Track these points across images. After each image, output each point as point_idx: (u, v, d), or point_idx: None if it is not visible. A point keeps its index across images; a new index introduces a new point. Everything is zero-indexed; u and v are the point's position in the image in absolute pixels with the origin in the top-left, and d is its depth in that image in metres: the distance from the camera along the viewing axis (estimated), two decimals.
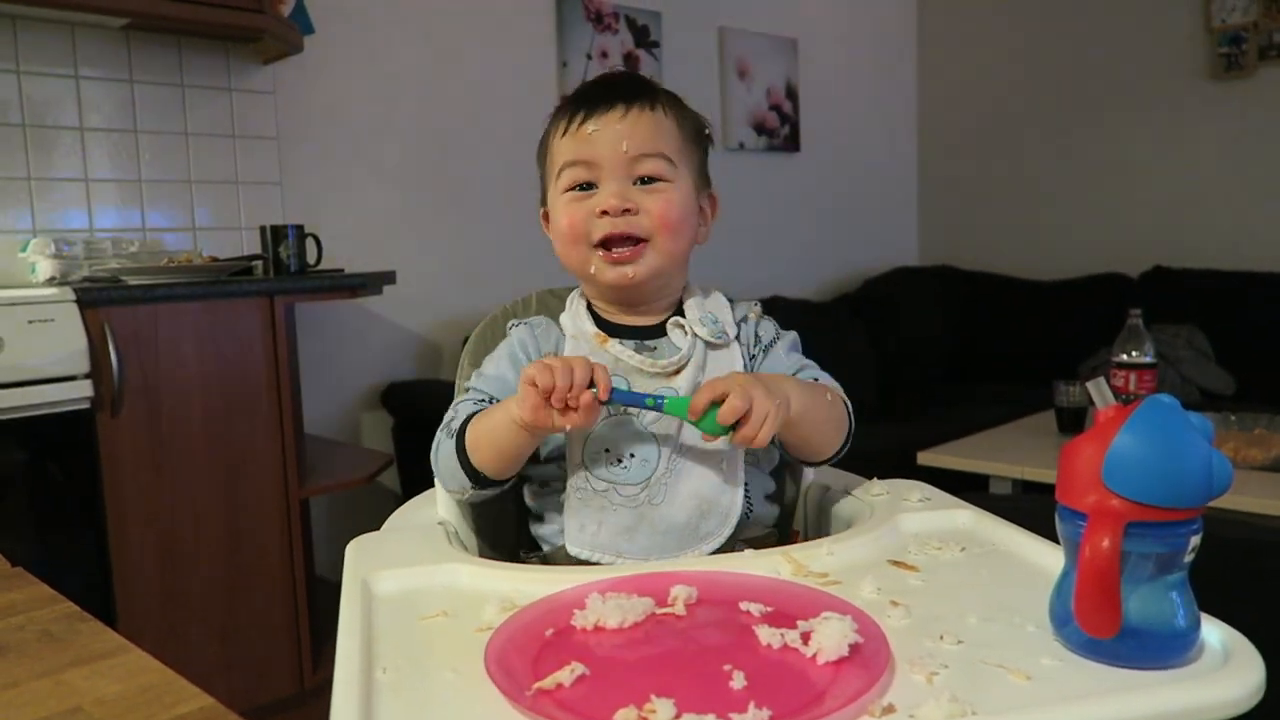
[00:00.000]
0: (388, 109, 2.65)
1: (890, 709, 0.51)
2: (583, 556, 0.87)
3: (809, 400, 0.87)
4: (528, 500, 0.97)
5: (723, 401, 0.78)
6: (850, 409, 0.94)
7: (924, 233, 4.40)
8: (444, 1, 2.74)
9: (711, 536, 0.87)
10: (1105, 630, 0.55)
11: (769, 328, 0.99)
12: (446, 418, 0.92)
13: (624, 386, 0.88)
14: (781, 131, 3.71)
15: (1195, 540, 0.56)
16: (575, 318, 0.96)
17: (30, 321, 1.61)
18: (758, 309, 1.00)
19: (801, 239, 3.83)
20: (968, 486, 1.57)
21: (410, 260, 2.63)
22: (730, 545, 0.89)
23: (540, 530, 0.94)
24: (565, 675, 0.55)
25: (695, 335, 0.93)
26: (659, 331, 0.94)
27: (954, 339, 3.90)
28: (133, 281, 1.82)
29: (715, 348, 0.93)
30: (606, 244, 0.90)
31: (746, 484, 0.90)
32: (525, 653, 0.59)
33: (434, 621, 0.66)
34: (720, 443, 0.84)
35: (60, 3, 1.92)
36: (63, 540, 1.70)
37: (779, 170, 3.76)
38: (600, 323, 0.95)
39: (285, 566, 1.94)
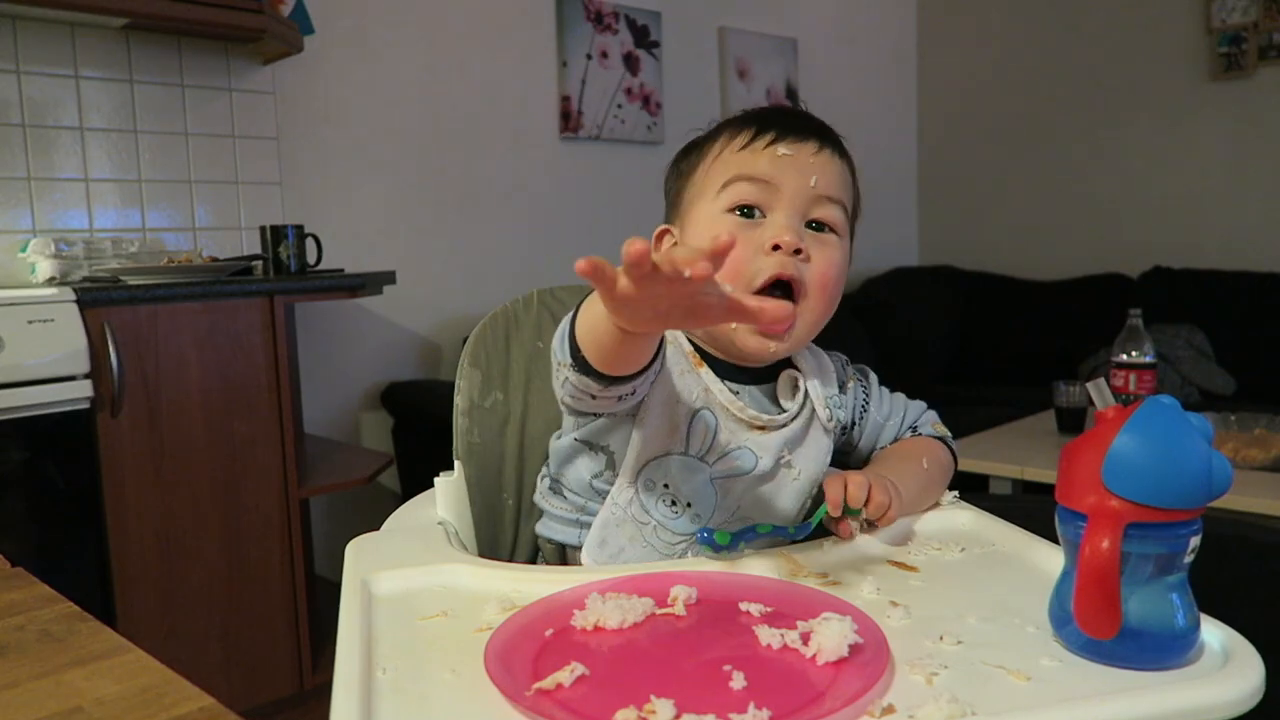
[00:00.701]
0: (388, 109, 2.65)
1: (890, 709, 0.51)
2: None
3: (917, 484, 0.83)
4: (543, 502, 0.93)
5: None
6: (951, 445, 0.90)
7: (924, 233, 4.40)
8: (444, 2, 2.74)
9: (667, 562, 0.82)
10: (1105, 631, 0.55)
11: (878, 393, 0.95)
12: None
13: (712, 426, 0.82)
14: None
15: (1195, 541, 0.56)
16: (675, 334, 0.87)
17: (30, 321, 1.61)
18: (850, 367, 0.95)
19: None
20: (968, 486, 1.57)
21: (410, 260, 2.63)
22: None
23: (549, 532, 0.91)
24: (565, 675, 0.55)
25: (811, 408, 0.87)
26: (760, 377, 0.87)
27: (954, 339, 3.90)
28: (133, 281, 1.82)
29: (817, 428, 0.88)
30: (766, 289, 0.80)
31: None
32: (525, 653, 0.59)
33: (434, 622, 0.66)
34: (853, 525, 0.78)
35: (60, 3, 1.91)
36: (63, 540, 1.70)
37: None
38: (701, 351, 0.87)
39: (285, 566, 1.94)
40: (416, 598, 0.70)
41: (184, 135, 2.29)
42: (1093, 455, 0.56)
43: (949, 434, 0.93)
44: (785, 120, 0.84)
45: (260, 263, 2.14)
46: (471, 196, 2.84)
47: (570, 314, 0.74)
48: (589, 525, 0.86)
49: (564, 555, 0.91)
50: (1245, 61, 3.43)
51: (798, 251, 0.80)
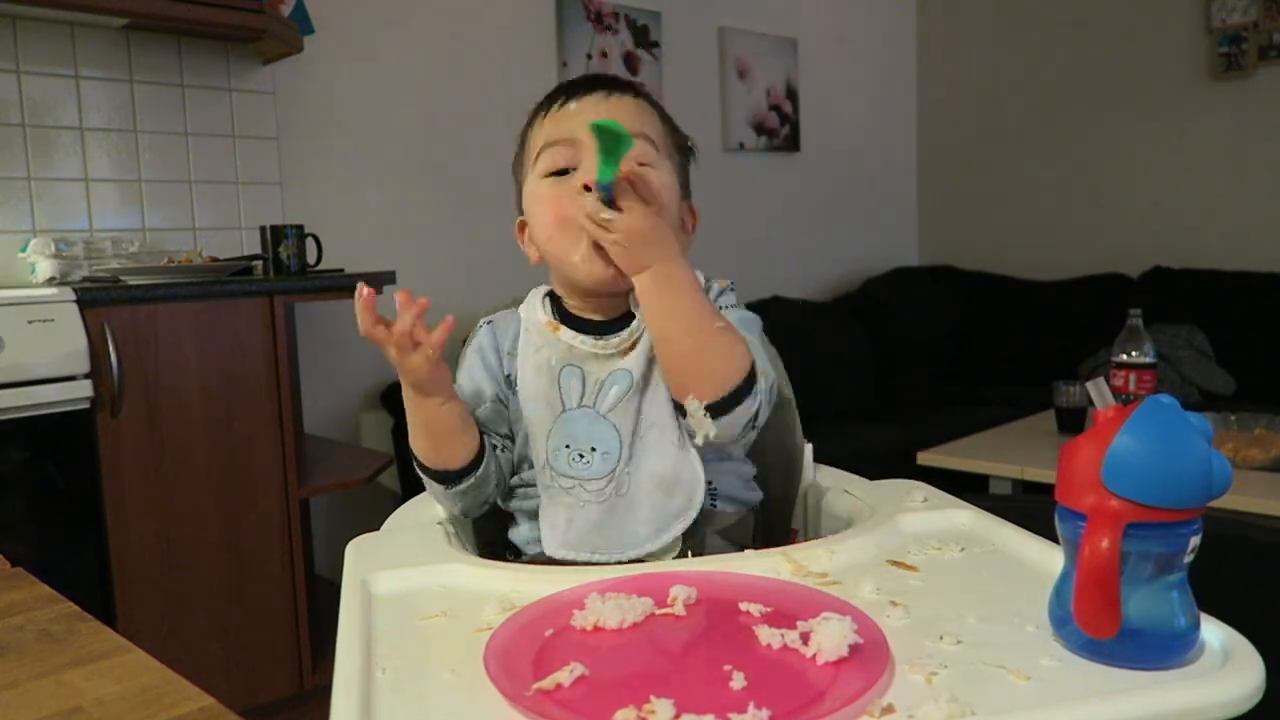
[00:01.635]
0: (388, 109, 2.65)
1: (890, 709, 0.51)
2: (559, 557, 0.86)
3: (681, 297, 0.80)
4: (503, 504, 0.96)
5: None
6: (757, 377, 0.83)
7: (924, 233, 4.40)
8: (444, 2, 2.74)
9: (682, 514, 0.86)
10: (1105, 631, 0.55)
11: (730, 299, 0.94)
12: None
13: (579, 375, 0.88)
14: (781, 131, 3.71)
15: (1195, 541, 0.56)
16: (530, 308, 0.94)
17: (30, 321, 1.61)
18: (726, 282, 0.96)
19: (801, 239, 3.82)
20: (968, 486, 1.57)
21: (410, 260, 2.63)
22: (699, 532, 0.87)
23: (515, 536, 0.94)
24: (565, 675, 0.55)
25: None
26: (625, 322, 0.90)
27: (954, 339, 3.90)
28: (133, 281, 1.82)
29: None
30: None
31: (710, 466, 0.87)
32: (525, 653, 0.59)
33: (433, 622, 0.66)
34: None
35: (60, 3, 1.92)
36: (63, 540, 1.70)
37: (779, 170, 3.76)
38: (564, 315, 0.92)
39: (285, 566, 1.94)
40: (416, 598, 0.70)
41: (184, 135, 2.29)
42: (1092, 455, 0.56)
43: (762, 369, 0.86)
44: (577, 82, 0.91)
45: (260, 263, 2.14)
46: (471, 196, 2.84)
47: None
48: (533, 512, 0.90)
49: (542, 559, 0.91)
50: (1245, 61, 3.43)
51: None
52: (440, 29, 2.74)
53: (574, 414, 0.87)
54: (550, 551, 0.87)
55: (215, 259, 2.09)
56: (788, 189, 3.78)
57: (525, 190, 0.93)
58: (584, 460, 0.86)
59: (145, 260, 2.09)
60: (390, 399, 2.57)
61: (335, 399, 2.58)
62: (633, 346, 0.88)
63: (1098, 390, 0.61)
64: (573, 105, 0.89)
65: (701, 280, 0.93)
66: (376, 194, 2.65)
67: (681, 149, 0.95)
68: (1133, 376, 2.22)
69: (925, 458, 2.32)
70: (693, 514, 0.86)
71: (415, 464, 0.89)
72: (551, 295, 0.95)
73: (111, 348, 1.68)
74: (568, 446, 0.87)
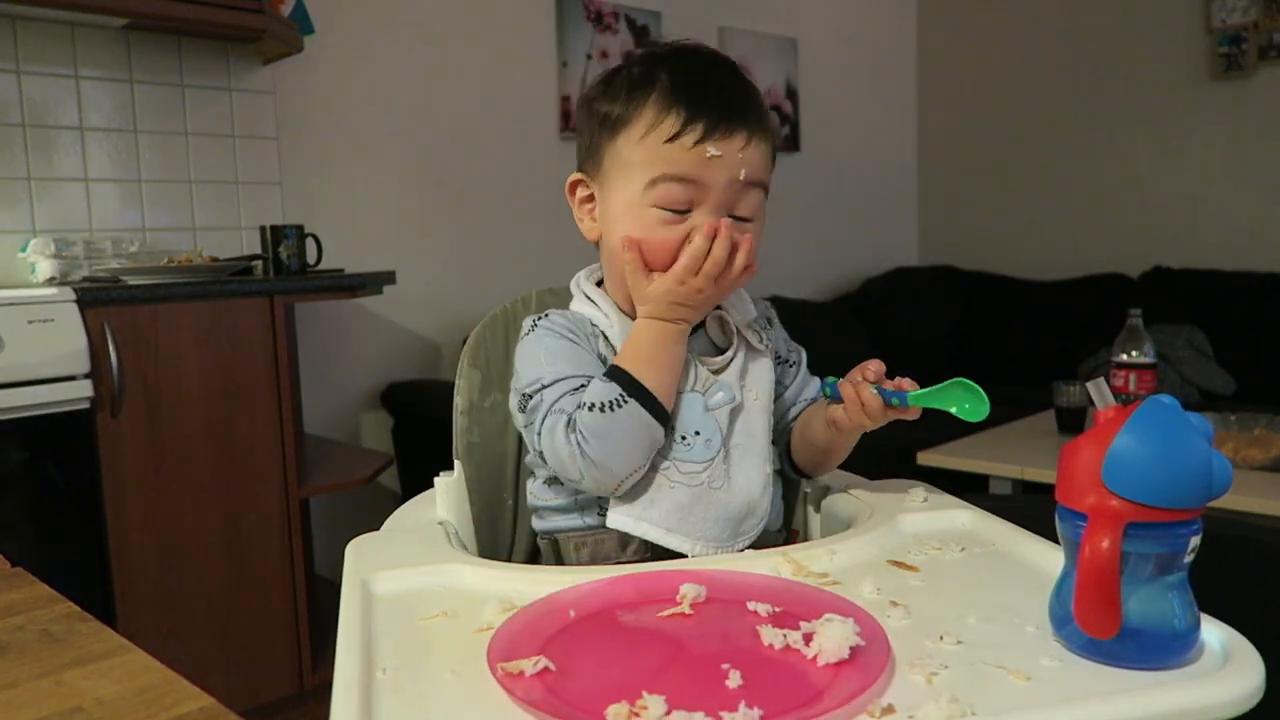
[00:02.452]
0: (388, 109, 2.65)
1: (890, 709, 0.51)
2: (624, 529, 0.84)
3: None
4: (538, 499, 0.93)
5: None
6: None
7: (924, 233, 4.40)
8: (444, 2, 2.74)
9: (747, 535, 0.87)
10: (1105, 631, 0.55)
11: (781, 338, 0.99)
12: (555, 420, 0.83)
13: (692, 363, 0.89)
14: (781, 131, 3.71)
15: (1195, 541, 0.56)
16: (607, 312, 0.91)
17: (30, 321, 1.61)
18: (770, 309, 0.99)
19: (801, 239, 3.82)
20: (968, 486, 1.57)
21: (410, 260, 2.63)
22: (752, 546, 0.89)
23: (550, 524, 0.91)
24: (529, 665, 0.55)
25: (742, 337, 0.92)
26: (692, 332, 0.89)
27: (954, 339, 3.90)
28: (133, 281, 1.82)
29: (755, 354, 0.92)
30: None
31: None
32: (527, 652, 0.59)
33: (433, 622, 0.66)
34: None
35: (60, 3, 1.92)
36: (63, 540, 1.70)
37: (779, 170, 3.74)
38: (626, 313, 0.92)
39: (285, 566, 1.94)
40: (416, 598, 0.70)
41: (184, 135, 2.29)
42: (1092, 455, 0.56)
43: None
44: (714, 110, 0.83)
45: (260, 263, 2.14)
46: (471, 196, 2.84)
47: (595, 443, 0.81)
48: (588, 508, 0.88)
49: (558, 552, 0.91)
50: (1245, 61, 3.43)
51: None
52: (440, 29, 2.74)
53: (688, 396, 0.87)
54: (615, 521, 0.84)
55: (215, 259, 2.09)
56: (788, 189, 3.78)
57: (618, 191, 0.86)
58: (685, 442, 0.86)
59: (145, 260, 2.09)
60: (390, 399, 2.58)
61: (335, 399, 2.58)
62: (726, 366, 0.90)
63: (1098, 390, 0.61)
64: (712, 150, 0.82)
65: (751, 306, 0.96)
66: (376, 194, 2.65)
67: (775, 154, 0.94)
68: (1133, 376, 2.22)
69: (925, 458, 2.32)
70: (751, 539, 0.87)
71: (651, 411, 0.82)
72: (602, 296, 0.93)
73: (111, 348, 1.68)
74: (672, 427, 0.86)
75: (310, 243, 2.16)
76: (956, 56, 4.21)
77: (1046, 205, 3.97)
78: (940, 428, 2.66)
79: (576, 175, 0.92)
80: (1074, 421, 2.38)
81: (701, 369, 0.89)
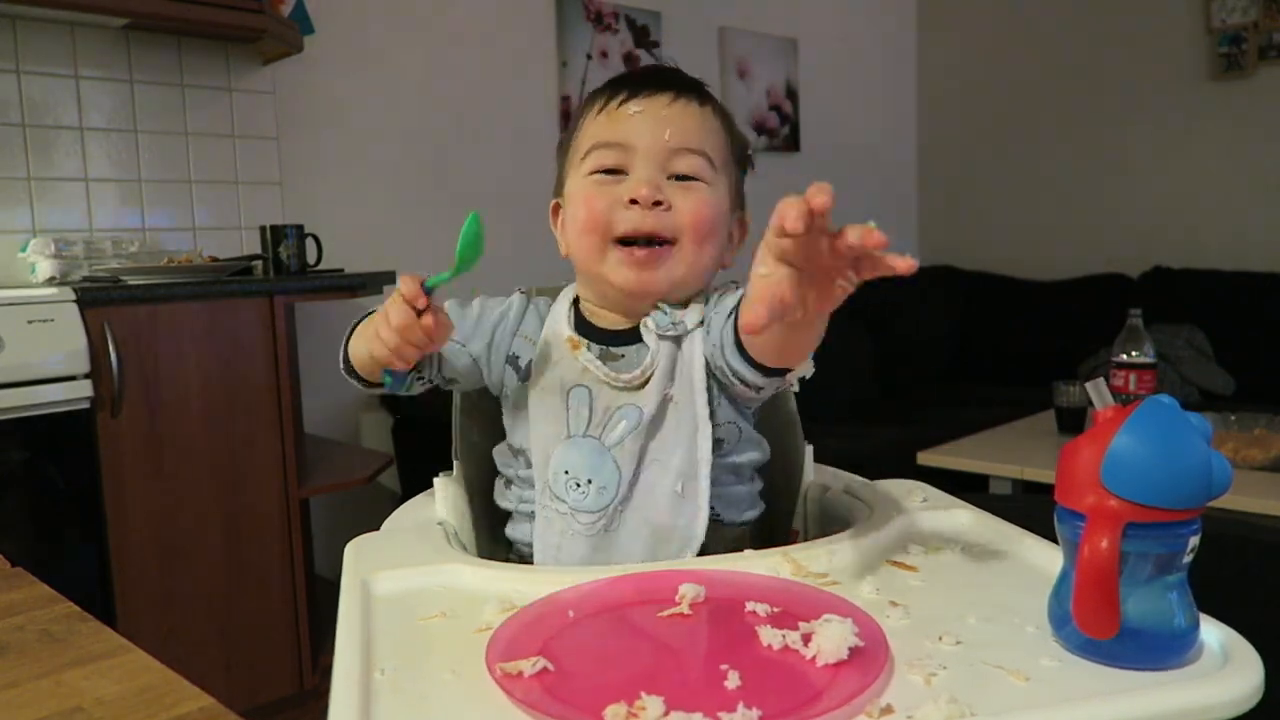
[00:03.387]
0: (388, 109, 2.65)
1: (889, 710, 0.51)
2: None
3: None
4: (500, 499, 0.95)
5: None
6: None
7: (924, 233, 4.40)
8: (444, 2, 2.74)
9: (677, 556, 0.83)
10: (1104, 631, 0.55)
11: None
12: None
13: (587, 400, 0.85)
14: (781, 131, 3.71)
15: (1194, 541, 0.56)
16: (555, 319, 0.91)
17: (30, 321, 1.61)
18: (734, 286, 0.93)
19: None
20: (968, 486, 1.57)
21: (410, 260, 2.63)
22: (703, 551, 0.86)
23: (513, 532, 0.93)
24: (527, 665, 0.55)
25: (658, 336, 0.86)
26: (637, 334, 0.88)
27: (954, 339, 3.90)
28: (133, 281, 1.82)
29: (674, 340, 0.86)
30: (628, 240, 0.83)
31: (718, 499, 0.86)
32: (526, 652, 0.59)
33: (433, 622, 0.66)
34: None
35: (60, 3, 1.92)
36: (63, 540, 1.70)
37: (779, 170, 3.75)
38: (580, 321, 0.91)
39: (285, 566, 1.94)
40: (416, 598, 0.70)
41: (184, 135, 2.29)
42: (1092, 455, 0.56)
43: None
44: (640, 78, 0.86)
45: (260, 263, 2.14)
46: (471, 196, 2.84)
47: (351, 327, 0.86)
48: (531, 515, 0.88)
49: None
50: (1245, 61, 3.43)
51: (658, 203, 0.82)
52: (440, 29, 2.74)
53: (579, 441, 0.85)
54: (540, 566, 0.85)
55: (215, 259, 2.09)
56: (788, 189, 3.74)
57: (569, 184, 0.89)
58: (580, 490, 0.83)
59: (145, 260, 2.09)
60: (390, 399, 2.58)
61: (335, 399, 2.58)
62: (645, 383, 0.85)
63: (1097, 390, 0.61)
64: (633, 107, 0.84)
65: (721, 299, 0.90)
66: (376, 194, 2.65)
67: (740, 158, 0.91)
68: (1133, 376, 2.22)
69: (925, 458, 2.32)
70: (689, 553, 0.83)
71: (343, 361, 0.89)
72: (575, 301, 0.93)
73: (111, 348, 1.68)
74: (567, 472, 0.84)
75: (310, 243, 2.16)
76: (956, 56, 4.21)
77: (1046, 205, 3.97)
78: (940, 428, 2.68)
79: (554, 200, 0.96)
80: (1074, 421, 2.38)
81: (599, 404, 0.85)
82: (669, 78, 0.87)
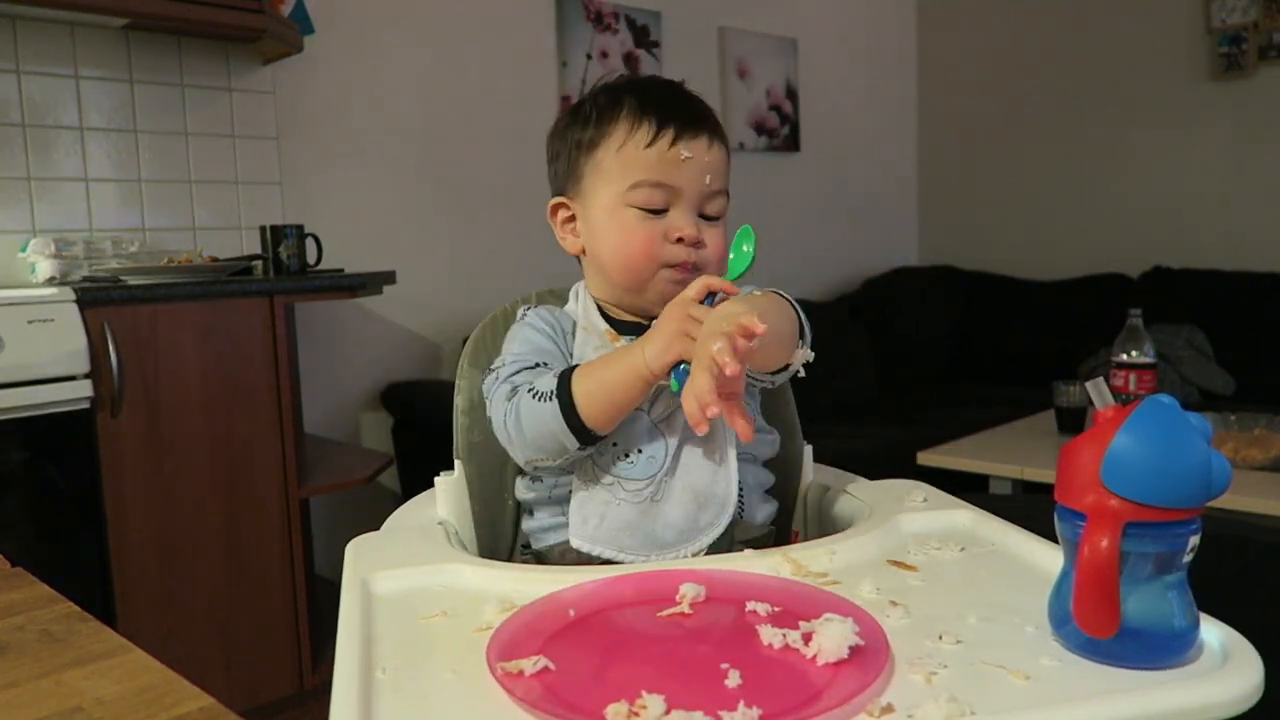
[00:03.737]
0: (388, 109, 2.65)
1: (889, 709, 0.51)
2: (584, 550, 0.87)
3: (765, 302, 0.85)
4: (521, 493, 0.97)
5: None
6: (800, 312, 0.92)
7: (924, 233, 4.40)
8: (444, 2, 2.74)
9: (710, 528, 0.87)
10: (1104, 630, 0.55)
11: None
12: (503, 387, 0.89)
13: None
14: (781, 131, 3.71)
15: (1194, 540, 0.56)
16: (587, 311, 0.96)
17: (30, 321, 1.61)
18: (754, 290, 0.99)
19: (801, 239, 3.82)
20: (968, 486, 1.57)
21: (410, 260, 2.63)
22: (728, 540, 0.88)
23: (532, 524, 0.94)
24: (529, 664, 0.55)
25: None
26: None
27: (954, 339, 3.90)
28: (133, 281, 1.82)
29: None
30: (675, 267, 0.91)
31: (740, 480, 0.90)
32: (527, 652, 0.59)
33: (433, 621, 0.66)
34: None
35: (60, 3, 1.92)
36: (63, 540, 1.70)
37: (779, 170, 3.76)
38: (607, 318, 0.96)
39: (285, 566, 1.94)
40: (416, 598, 0.70)
41: (184, 135, 2.29)
42: (1092, 454, 0.56)
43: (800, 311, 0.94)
44: (681, 114, 0.91)
45: (260, 263, 2.14)
46: (471, 196, 2.84)
47: (512, 418, 0.86)
48: (563, 501, 0.91)
49: (556, 552, 0.91)
50: (1245, 61, 3.43)
51: (700, 242, 0.91)
52: (440, 29, 2.74)
53: (632, 414, 0.88)
54: (576, 543, 0.87)
55: (215, 259, 2.09)
56: (788, 189, 3.78)
57: (599, 199, 0.92)
58: (628, 460, 0.88)
59: (145, 260, 2.09)
60: (390, 399, 2.58)
61: (335, 399, 2.58)
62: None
63: (1097, 390, 0.61)
64: (685, 151, 0.89)
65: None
66: (376, 194, 2.65)
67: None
68: (1133, 376, 2.22)
69: (925, 458, 2.32)
70: (719, 530, 0.87)
71: (565, 420, 0.84)
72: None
73: (111, 348, 1.68)
74: (615, 445, 0.88)
75: (310, 243, 2.16)
76: (956, 56, 4.21)
77: (1046, 205, 3.97)
78: (940, 428, 2.68)
79: (557, 199, 0.99)
80: (1074, 421, 2.39)
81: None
82: (702, 116, 0.93)
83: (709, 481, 0.88)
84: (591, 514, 0.88)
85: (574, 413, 0.83)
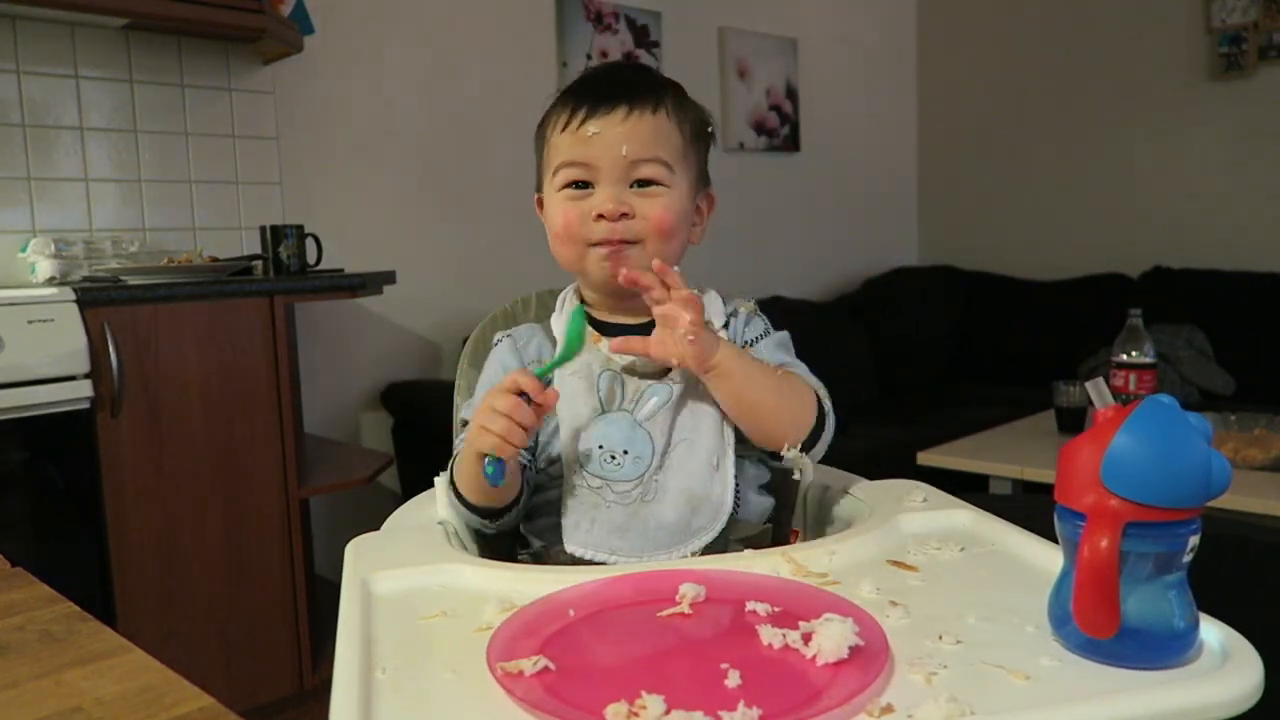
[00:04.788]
0: (388, 109, 2.65)
1: (889, 709, 0.51)
2: (577, 554, 0.87)
3: (751, 367, 0.87)
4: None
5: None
6: (824, 404, 0.91)
7: (924, 233, 4.40)
8: (444, 2, 2.75)
9: (703, 532, 0.87)
10: (1104, 630, 0.55)
11: (758, 325, 0.98)
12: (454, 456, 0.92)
13: (616, 381, 0.90)
14: (781, 131, 3.71)
15: (1194, 540, 0.56)
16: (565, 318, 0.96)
17: (30, 321, 1.61)
18: (751, 304, 1.00)
19: (801, 239, 3.83)
20: (968, 486, 1.57)
21: (410, 260, 2.63)
22: (723, 540, 0.88)
23: (530, 527, 0.94)
24: (528, 664, 0.55)
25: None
26: (650, 329, 0.91)
27: (954, 339, 3.90)
28: (133, 281, 1.82)
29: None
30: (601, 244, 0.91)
31: (736, 477, 0.90)
32: (527, 652, 0.59)
33: (433, 622, 0.66)
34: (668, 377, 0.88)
35: (60, 3, 1.92)
36: (63, 540, 1.70)
37: (779, 170, 3.76)
38: (593, 321, 0.95)
39: (285, 566, 1.94)
40: (416, 598, 0.70)
41: (184, 135, 2.29)
42: (1092, 454, 0.56)
43: (824, 393, 0.92)
44: (595, 91, 0.91)
45: (260, 263, 2.14)
46: (471, 197, 2.84)
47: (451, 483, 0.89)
48: (559, 502, 0.90)
49: (554, 554, 0.91)
50: (1245, 61, 3.43)
51: (623, 214, 0.89)
52: (440, 29, 2.74)
53: (612, 416, 0.89)
54: (569, 548, 0.87)
55: (215, 259, 2.09)
56: (788, 189, 3.78)
57: (545, 188, 0.95)
58: (615, 462, 0.88)
59: (145, 260, 2.09)
60: (390, 399, 2.58)
61: (335, 399, 2.58)
62: (666, 372, 0.90)
63: (1097, 390, 0.61)
64: (591, 128, 0.89)
65: (720, 303, 0.97)
66: (376, 194, 2.65)
67: (699, 137, 0.96)
68: (1133, 376, 2.22)
69: (925, 458, 2.32)
70: (712, 534, 0.87)
71: (456, 499, 0.89)
72: (582, 300, 0.98)
73: (111, 348, 1.68)
74: (601, 447, 0.88)
75: (310, 243, 2.16)
76: (956, 57, 4.21)
77: (1046, 205, 3.97)
78: (940, 428, 2.68)
79: (537, 194, 1.00)
80: (1074, 421, 2.38)
81: (628, 386, 0.90)
82: (621, 90, 0.91)
83: (704, 484, 0.88)
84: (583, 518, 0.87)
85: (464, 500, 0.87)
